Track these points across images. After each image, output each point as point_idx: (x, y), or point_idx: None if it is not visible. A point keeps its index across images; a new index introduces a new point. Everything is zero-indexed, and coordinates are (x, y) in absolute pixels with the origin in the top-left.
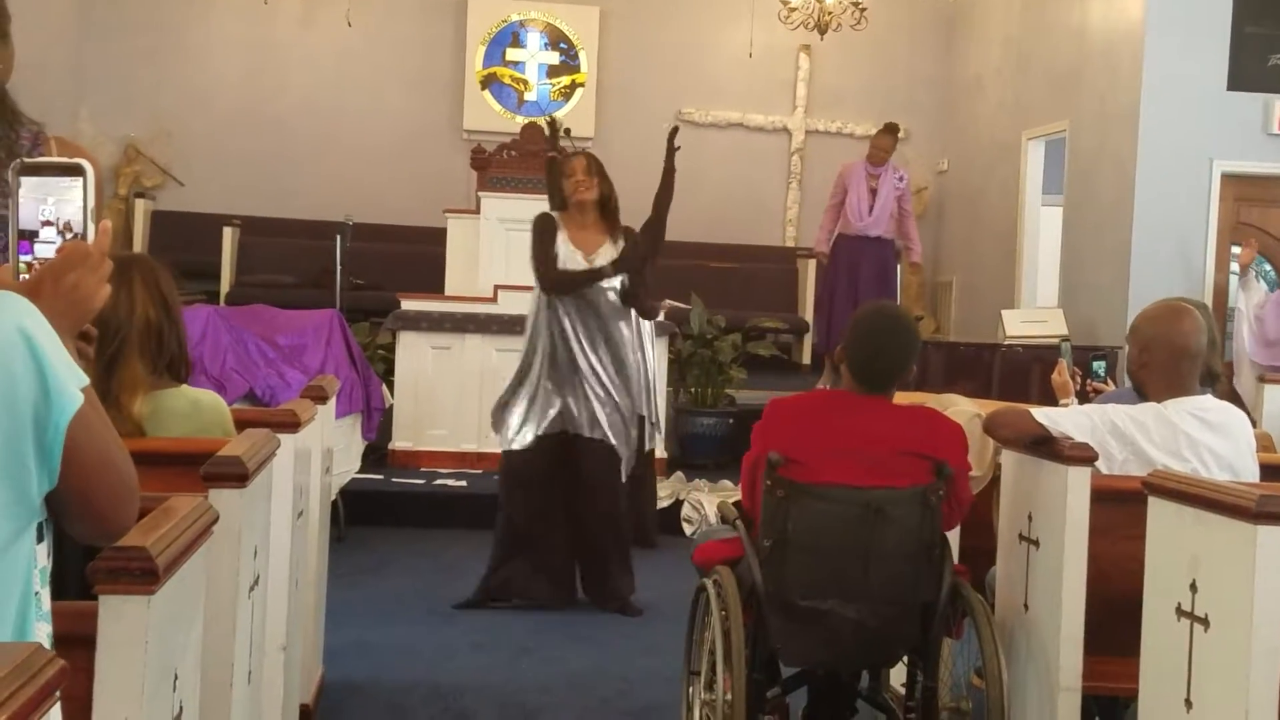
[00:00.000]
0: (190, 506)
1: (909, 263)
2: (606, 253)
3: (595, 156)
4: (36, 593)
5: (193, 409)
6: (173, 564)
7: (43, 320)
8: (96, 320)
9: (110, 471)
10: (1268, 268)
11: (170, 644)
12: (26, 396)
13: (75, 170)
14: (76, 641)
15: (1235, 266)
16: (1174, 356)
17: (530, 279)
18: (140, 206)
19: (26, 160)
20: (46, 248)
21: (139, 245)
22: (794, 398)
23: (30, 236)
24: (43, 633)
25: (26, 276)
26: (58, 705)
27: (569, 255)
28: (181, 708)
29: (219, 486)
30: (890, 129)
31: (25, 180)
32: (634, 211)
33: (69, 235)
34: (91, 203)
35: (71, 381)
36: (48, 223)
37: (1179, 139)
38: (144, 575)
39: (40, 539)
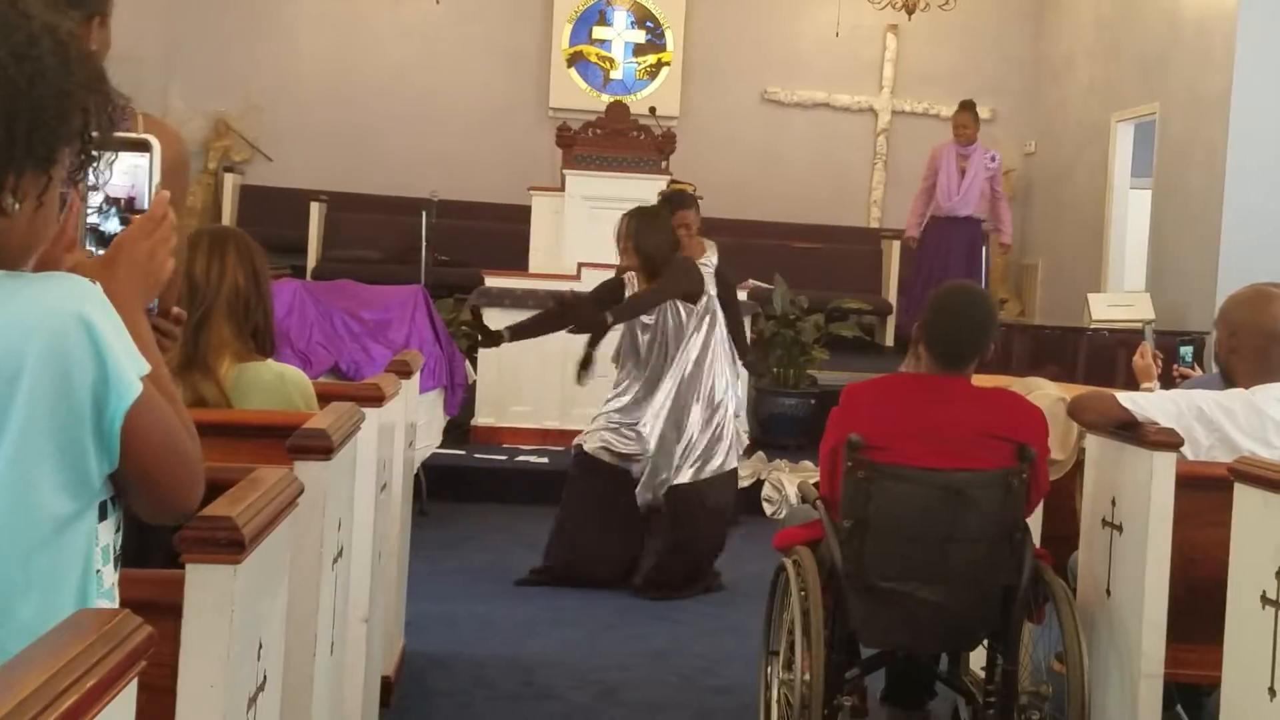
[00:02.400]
0: (276, 478)
1: (999, 244)
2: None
3: (633, 218)
4: (98, 570)
5: (278, 382)
6: (258, 534)
7: (106, 305)
8: (187, 285)
9: (172, 455)
10: None
11: (255, 613)
12: (85, 383)
13: (143, 146)
14: (163, 609)
15: None
16: (1264, 342)
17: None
18: (229, 181)
19: (95, 135)
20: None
21: (228, 219)
22: (870, 382)
23: (119, 204)
24: None
25: (95, 251)
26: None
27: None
28: (265, 676)
29: (304, 459)
30: (966, 105)
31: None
32: (717, 192)
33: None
34: (156, 178)
35: (131, 369)
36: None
37: (1273, 124)
38: (230, 545)
39: (104, 517)
